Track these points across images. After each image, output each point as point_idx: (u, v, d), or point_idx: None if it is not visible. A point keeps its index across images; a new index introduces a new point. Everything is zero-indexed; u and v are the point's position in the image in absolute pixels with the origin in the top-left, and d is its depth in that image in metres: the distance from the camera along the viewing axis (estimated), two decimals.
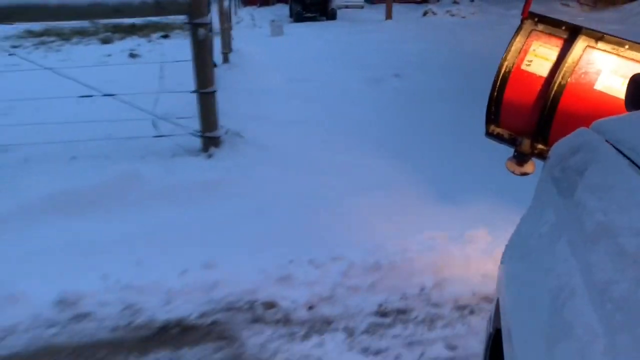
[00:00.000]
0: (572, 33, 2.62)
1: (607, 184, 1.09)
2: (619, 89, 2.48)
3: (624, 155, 1.11)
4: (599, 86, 2.56)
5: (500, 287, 1.36)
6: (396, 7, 14.75)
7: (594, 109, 2.47)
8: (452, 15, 19.01)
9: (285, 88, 6.68)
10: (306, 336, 2.29)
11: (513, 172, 2.83)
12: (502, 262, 1.43)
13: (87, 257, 2.72)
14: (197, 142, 4.15)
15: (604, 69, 2.56)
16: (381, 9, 14.99)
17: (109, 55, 8.77)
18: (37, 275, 2.55)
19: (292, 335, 2.30)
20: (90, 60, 8.11)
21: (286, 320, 2.39)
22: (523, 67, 2.67)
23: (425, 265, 2.66)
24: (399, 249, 2.75)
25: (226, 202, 3.42)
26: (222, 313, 2.42)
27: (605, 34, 2.59)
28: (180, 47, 9.46)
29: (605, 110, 2.34)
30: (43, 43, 9.88)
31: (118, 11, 3.59)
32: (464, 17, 17.93)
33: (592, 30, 2.60)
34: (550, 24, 2.68)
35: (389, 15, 14.51)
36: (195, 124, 4.15)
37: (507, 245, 1.46)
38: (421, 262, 2.69)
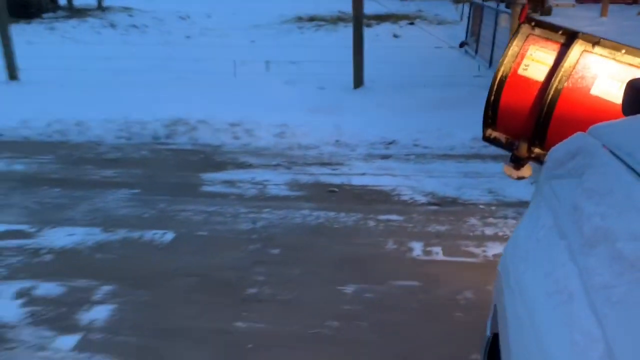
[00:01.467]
0: (569, 37, 2.64)
1: (605, 189, 1.09)
2: (615, 94, 2.47)
3: (621, 160, 1.10)
4: (596, 91, 2.57)
5: (498, 292, 1.37)
6: (609, 6, 15.56)
7: (590, 113, 2.48)
8: None
9: None
10: None
11: (510, 176, 2.89)
12: (499, 266, 1.43)
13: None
14: None
15: (600, 74, 2.56)
16: (591, 7, 15.82)
17: (377, 35, 11.43)
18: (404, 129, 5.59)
19: None
20: (368, 38, 11.33)
21: None
22: (520, 71, 2.70)
23: None
24: None
25: None
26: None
27: (602, 38, 2.62)
28: (426, 31, 12.04)
29: (602, 114, 2.35)
30: (319, 26, 13.08)
31: None
32: None
33: (589, 34, 2.63)
34: (548, 28, 2.72)
35: (603, 13, 15.44)
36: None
37: (504, 250, 1.46)
38: None
